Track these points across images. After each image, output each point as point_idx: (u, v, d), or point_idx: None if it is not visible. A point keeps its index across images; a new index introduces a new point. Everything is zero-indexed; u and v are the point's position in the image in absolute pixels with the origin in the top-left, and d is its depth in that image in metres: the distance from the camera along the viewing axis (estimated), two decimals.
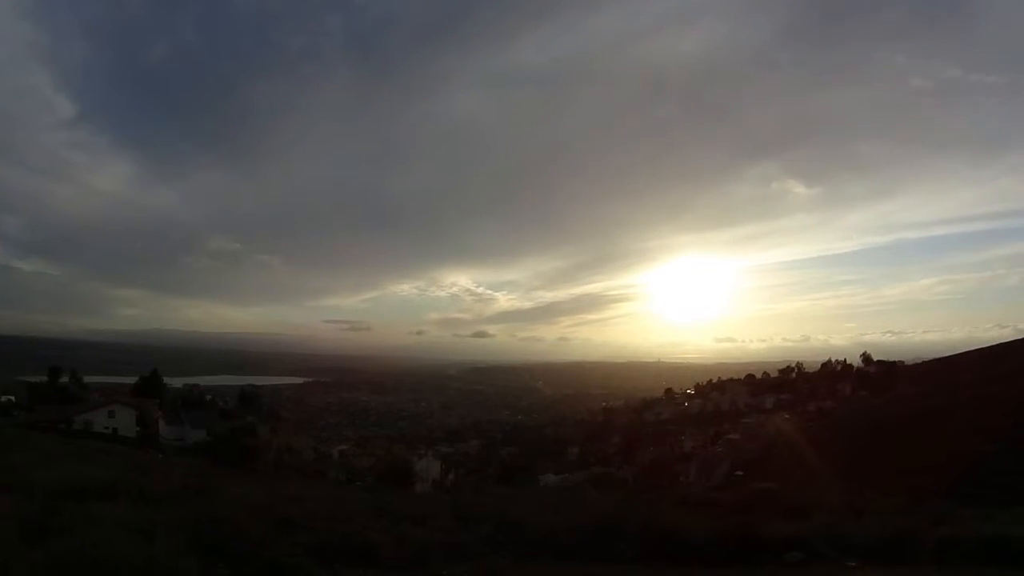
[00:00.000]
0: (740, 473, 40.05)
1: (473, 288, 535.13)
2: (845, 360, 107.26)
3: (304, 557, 6.06)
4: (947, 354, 74.28)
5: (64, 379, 76.09)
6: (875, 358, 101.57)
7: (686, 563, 7.30)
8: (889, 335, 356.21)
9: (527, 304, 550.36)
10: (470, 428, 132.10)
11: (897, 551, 7.57)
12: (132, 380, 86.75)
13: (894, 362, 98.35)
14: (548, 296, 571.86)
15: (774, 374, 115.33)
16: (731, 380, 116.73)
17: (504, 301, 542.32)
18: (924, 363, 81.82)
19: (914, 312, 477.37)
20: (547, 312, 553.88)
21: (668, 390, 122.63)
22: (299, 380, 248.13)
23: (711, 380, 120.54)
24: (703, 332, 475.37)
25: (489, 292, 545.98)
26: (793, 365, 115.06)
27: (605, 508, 10.48)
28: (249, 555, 5.87)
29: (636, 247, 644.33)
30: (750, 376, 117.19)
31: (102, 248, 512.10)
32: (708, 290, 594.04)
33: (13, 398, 64.56)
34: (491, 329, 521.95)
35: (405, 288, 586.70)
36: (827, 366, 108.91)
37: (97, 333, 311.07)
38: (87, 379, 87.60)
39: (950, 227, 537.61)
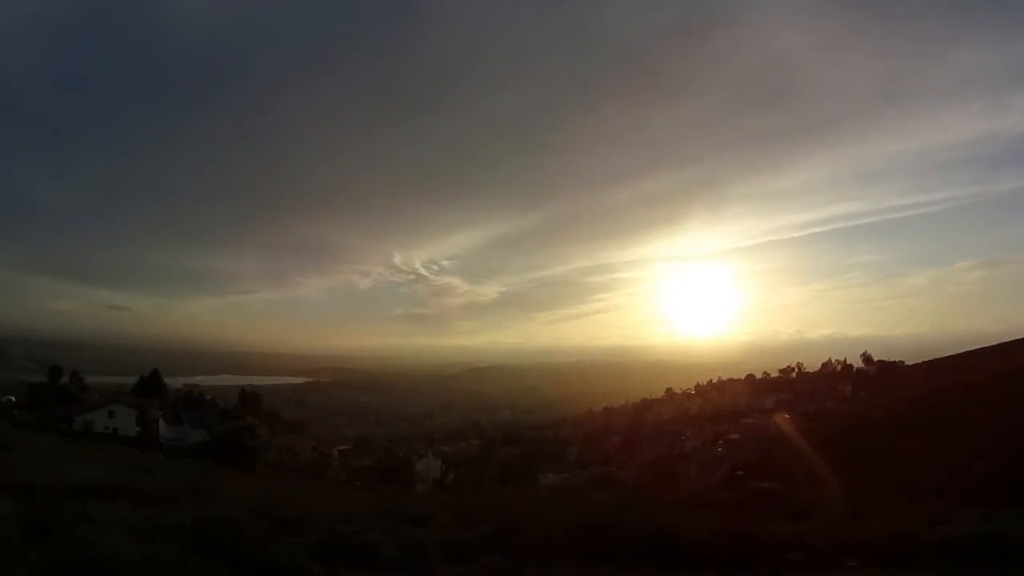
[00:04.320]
0: (740, 473, 40.03)
1: (422, 272, 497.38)
2: (845, 360, 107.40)
3: (304, 557, 6.06)
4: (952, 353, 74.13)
5: (64, 379, 76.07)
6: (876, 358, 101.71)
7: (686, 563, 7.30)
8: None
9: (491, 293, 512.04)
10: (470, 428, 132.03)
11: (897, 551, 7.58)
12: (133, 380, 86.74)
13: (894, 362, 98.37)
14: (509, 281, 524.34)
15: (774, 374, 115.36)
16: (731, 380, 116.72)
17: (465, 290, 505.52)
18: (925, 363, 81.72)
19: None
20: (518, 304, 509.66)
21: (668, 390, 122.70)
22: (299, 380, 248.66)
23: (711, 380, 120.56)
24: (698, 327, 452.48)
25: (446, 279, 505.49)
26: (794, 365, 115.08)
27: (605, 508, 10.49)
28: (249, 555, 5.87)
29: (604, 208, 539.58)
30: (750, 376, 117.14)
31: None
32: (697, 278, 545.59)
33: (14, 398, 64.58)
34: (462, 327, 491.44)
35: (344, 278, 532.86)
36: (827, 366, 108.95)
37: None
38: (88, 379, 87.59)
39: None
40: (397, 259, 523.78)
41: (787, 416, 61.05)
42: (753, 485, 15.05)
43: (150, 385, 78.28)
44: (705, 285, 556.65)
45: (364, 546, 6.96)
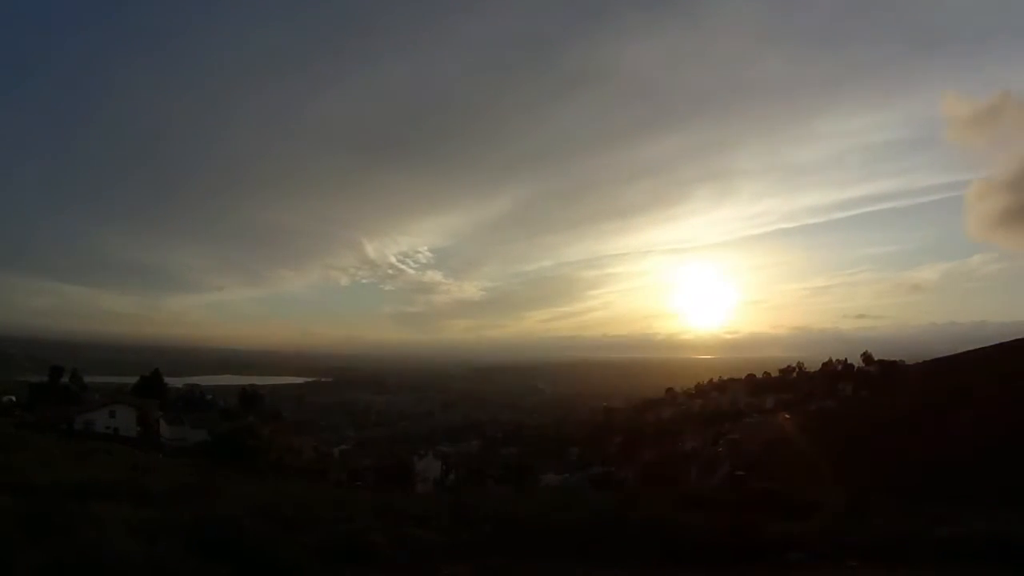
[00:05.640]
0: (741, 473, 39.93)
1: (400, 266, 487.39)
2: (846, 359, 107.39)
3: (305, 557, 6.07)
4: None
5: (65, 379, 76.14)
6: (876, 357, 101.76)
7: (687, 563, 7.30)
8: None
9: (477, 290, 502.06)
10: (471, 428, 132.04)
11: (898, 551, 7.57)
12: (133, 380, 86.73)
13: (895, 361, 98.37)
14: (495, 275, 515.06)
15: (774, 373, 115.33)
16: (731, 380, 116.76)
17: (450, 286, 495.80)
18: (926, 362, 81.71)
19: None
20: (509, 303, 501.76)
21: (669, 390, 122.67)
22: (300, 380, 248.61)
23: (712, 380, 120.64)
24: (698, 324, 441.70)
25: (427, 274, 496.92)
26: (794, 364, 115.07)
27: (606, 508, 10.49)
28: (250, 555, 5.87)
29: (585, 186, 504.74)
30: (751, 376, 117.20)
31: None
32: (697, 271, 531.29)
33: (14, 398, 64.74)
34: (455, 325, 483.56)
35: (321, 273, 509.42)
36: (828, 366, 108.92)
37: None
38: (88, 379, 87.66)
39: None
40: (369, 249, 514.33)
41: (787, 416, 61.11)
42: (754, 485, 15.05)
43: (151, 385, 78.27)
44: (706, 279, 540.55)
45: (365, 546, 6.96)
